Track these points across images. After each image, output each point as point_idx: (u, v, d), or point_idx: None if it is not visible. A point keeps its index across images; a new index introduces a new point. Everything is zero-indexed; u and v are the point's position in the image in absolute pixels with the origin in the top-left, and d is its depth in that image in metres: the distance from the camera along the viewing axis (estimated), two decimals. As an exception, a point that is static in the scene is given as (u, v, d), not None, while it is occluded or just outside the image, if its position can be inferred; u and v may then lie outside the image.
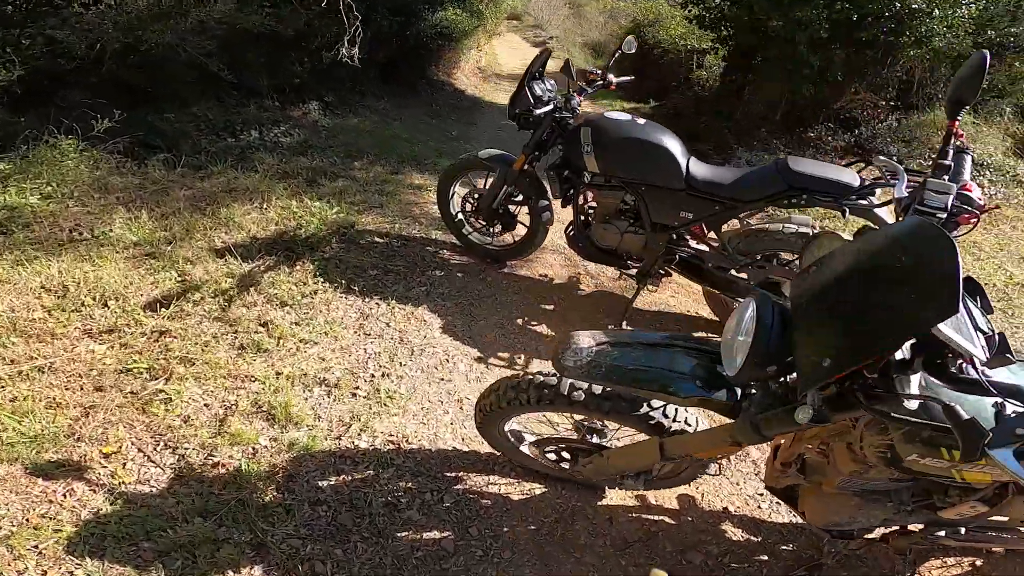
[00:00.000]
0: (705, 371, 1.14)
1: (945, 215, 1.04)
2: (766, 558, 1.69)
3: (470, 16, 6.76)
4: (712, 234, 2.46)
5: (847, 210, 2.11)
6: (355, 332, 2.46)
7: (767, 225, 2.35)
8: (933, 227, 0.84)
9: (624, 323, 2.69)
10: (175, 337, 2.24)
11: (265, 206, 3.34)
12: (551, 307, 2.82)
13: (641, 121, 2.42)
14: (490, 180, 2.84)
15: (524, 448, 1.72)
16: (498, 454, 1.87)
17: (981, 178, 5.15)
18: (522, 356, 2.48)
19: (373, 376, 2.23)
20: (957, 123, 1.16)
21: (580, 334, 1.26)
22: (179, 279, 2.59)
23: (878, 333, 0.81)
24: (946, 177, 1.08)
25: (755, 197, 2.23)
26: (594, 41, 14.08)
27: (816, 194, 2.13)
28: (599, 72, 2.60)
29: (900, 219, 1.13)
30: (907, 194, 1.14)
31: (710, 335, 2.11)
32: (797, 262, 2.43)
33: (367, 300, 2.68)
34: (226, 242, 2.94)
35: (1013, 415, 0.81)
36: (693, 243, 2.50)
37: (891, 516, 1.24)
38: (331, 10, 5.59)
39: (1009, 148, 5.70)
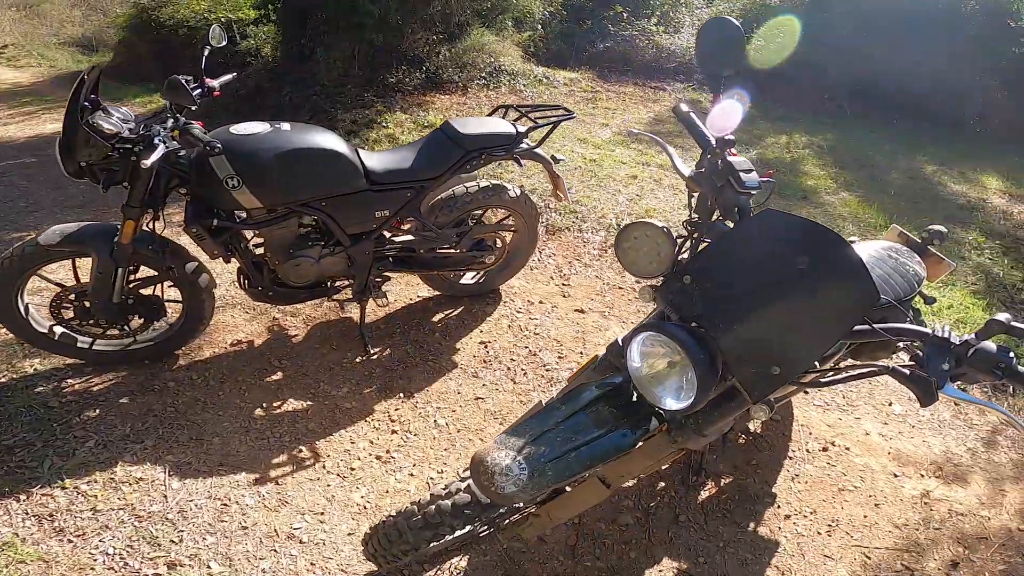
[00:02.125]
0: (628, 411, 1.09)
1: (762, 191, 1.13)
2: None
3: None
4: (409, 221, 2.29)
5: (519, 159, 2.26)
6: (60, 541, 1.63)
7: (452, 191, 2.33)
8: (820, 228, 0.90)
9: (368, 347, 2.36)
10: None
11: None
12: (279, 375, 2.22)
13: (286, 126, 1.94)
14: (82, 267, 1.88)
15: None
16: None
17: (516, 84, 6.38)
18: (302, 448, 1.94)
19: (159, 576, 1.48)
20: (721, 96, 1.20)
21: (491, 451, 1.00)
22: None
23: (818, 336, 0.89)
24: (735, 151, 1.17)
25: (441, 171, 2.15)
26: (79, 37, 11.01)
27: (491, 151, 2.19)
28: (192, 80, 1.90)
29: (712, 198, 1.16)
30: (705, 170, 1.18)
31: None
32: (485, 215, 2.53)
33: (24, 499, 1.72)
34: None
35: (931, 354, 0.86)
36: (397, 238, 2.28)
37: None
38: None
39: (522, 56, 7.20)
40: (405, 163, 2.12)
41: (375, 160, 2.09)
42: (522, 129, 2.26)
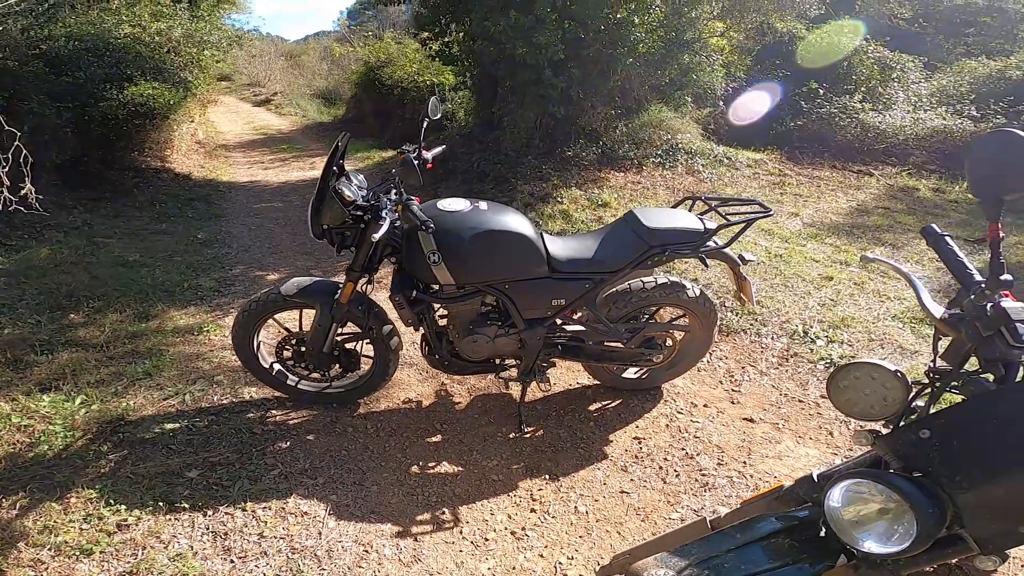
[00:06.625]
0: (811, 546, 1.02)
1: None
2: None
3: (172, 88, 5.54)
4: (582, 311, 2.29)
5: (705, 258, 2.16)
6: (224, 560, 1.76)
7: (628, 285, 2.29)
8: None
9: (523, 426, 2.38)
10: None
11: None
12: (438, 438, 2.34)
13: (484, 206, 2.08)
14: (306, 316, 2.20)
15: None
16: None
17: (694, 163, 6.24)
18: (445, 511, 2.00)
19: (293, 614, 1.60)
20: (1000, 224, 0.99)
21: (650, 568, 1.00)
22: None
23: None
24: (1011, 294, 1.00)
25: (622, 265, 2.13)
26: (323, 89, 13.48)
27: (676, 248, 2.12)
28: (411, 150, 2.04)
29: (971, 347, 0.98)
30: (964, 311, 1.01)
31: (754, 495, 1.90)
32: (656, 312, 2.44)
33: (210, 514, 1.91)
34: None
35: None
36: (569, 327, 2.30)
37: None
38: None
39: (701, 133, 7.07)
40: (587, 253, 2.14)
41: (558, 247, 2.14)
42: (711, 226, 2.15)
